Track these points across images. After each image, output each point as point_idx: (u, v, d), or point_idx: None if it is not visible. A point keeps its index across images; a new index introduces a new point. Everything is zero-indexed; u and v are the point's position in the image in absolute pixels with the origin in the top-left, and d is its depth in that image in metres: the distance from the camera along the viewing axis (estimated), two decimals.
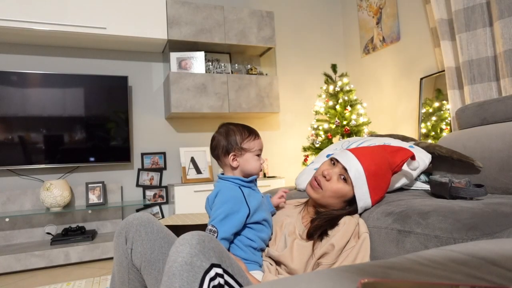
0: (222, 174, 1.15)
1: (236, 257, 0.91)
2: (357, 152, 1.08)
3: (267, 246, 1.10)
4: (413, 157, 1.17)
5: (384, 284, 0.39)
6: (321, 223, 1.02)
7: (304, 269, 0.98)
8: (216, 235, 0.98)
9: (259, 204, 1.08)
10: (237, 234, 1.03)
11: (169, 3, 2.92)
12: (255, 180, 1.15)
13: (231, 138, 1.11)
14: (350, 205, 1.08)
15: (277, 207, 1.25)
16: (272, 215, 1.21)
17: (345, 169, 1.05)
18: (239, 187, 1.08)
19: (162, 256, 0.93)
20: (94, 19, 2.67)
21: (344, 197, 1.06)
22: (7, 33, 2.57)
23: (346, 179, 1.04)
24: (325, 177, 1.05)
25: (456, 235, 0.84)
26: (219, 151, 1.12)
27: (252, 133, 1.14)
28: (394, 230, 0.98)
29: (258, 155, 1.13)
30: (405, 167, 1.22)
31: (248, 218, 1.03)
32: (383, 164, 1.07)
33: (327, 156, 1.52)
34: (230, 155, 1.10)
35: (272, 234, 1.13)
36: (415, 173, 1.33)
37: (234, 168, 1.11)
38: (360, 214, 1.13)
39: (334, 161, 1.09)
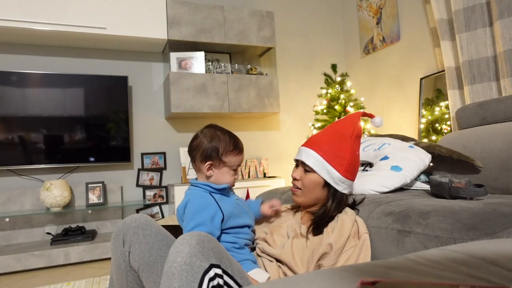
0: (195, 179, 1.10)
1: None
2: (307, 142, 1.14)
3: (263, 241, 1.11)
4: (370, 115, 1.21)
5: (384, 284, 0.39)
6: (321, 217, 1.07)
7: (307, 267, 0.98)
8: None
9: (234, 209, 1.04)
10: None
11: (169, 3, 2.91)
12: (228, 188, 1.08)
13: (214, 145, 1.04)
14: (328, 187, 1.09)
15: (266, 216, 1.21)
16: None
17: (304, 163, 1.10)
18: (210, 193, 1.03)
19: (160, 259, 0.92)
20: (94, 19, 2.67)
21: (320, 183, 1.08)
22: (7, 33, 2.57)
23: (309, 170, 1.09)
24: (296, 179, 1.12)
25: (456, 235, 0.84)
26: (197, 153, 1.06)
27: (237, 147, 1.08)
28: (394, 230, 0.98)
29: (235, 170, 1.09)
30: (369, 126, 1.28)
31: (223, 223, 0.99)
32: (333, 137, 1.11)
33: None
34: (207, 163, 1.04)
35: (255, 234, 1.13)
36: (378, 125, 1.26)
37: (206, 177, 1.06)
38: (358, 204, 1.15)
39: (296, 164, 1.17)
